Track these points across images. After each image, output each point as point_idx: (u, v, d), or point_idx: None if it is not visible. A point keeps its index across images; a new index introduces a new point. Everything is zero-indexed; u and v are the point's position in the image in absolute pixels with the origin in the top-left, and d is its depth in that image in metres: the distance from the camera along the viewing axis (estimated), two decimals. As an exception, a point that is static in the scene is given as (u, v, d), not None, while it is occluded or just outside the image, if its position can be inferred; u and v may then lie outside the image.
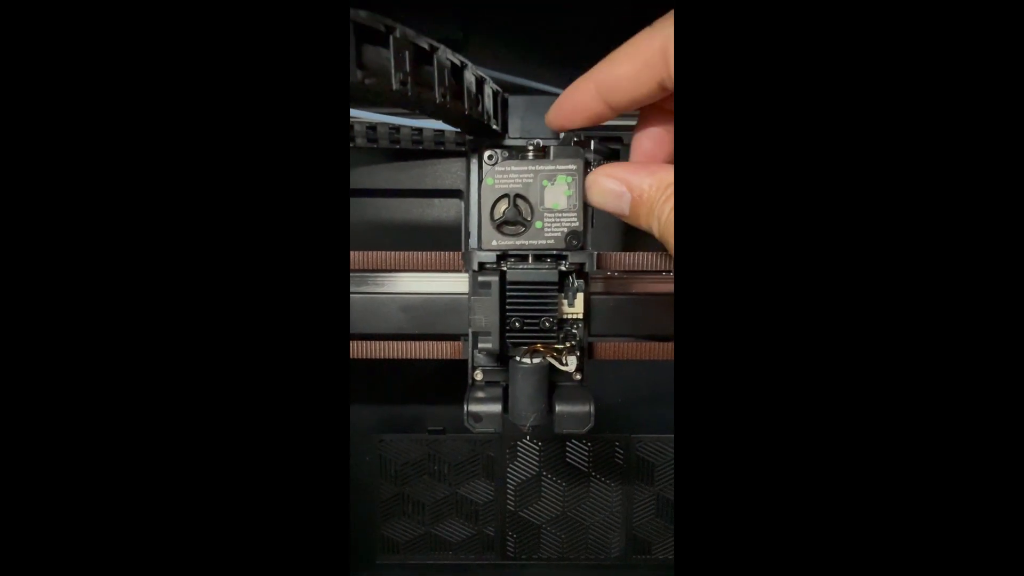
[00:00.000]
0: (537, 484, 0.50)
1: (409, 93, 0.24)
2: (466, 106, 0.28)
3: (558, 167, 0.30)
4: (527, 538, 0.51)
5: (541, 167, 0.30)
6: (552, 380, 0.32)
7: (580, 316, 0.32)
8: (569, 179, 0.30)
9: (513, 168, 0.30)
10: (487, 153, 0.31)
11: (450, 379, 0.39)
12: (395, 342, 0.35)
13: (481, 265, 0.31)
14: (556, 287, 0.31)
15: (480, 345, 0.31)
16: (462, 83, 0.28)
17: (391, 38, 0.23)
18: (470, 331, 0.31)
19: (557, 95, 0.29)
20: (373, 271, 0.35)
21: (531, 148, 0.31)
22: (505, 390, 0.32)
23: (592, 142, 0.31)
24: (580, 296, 0.32)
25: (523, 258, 0.31)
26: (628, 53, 0.26)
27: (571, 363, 0.32)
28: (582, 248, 0.31)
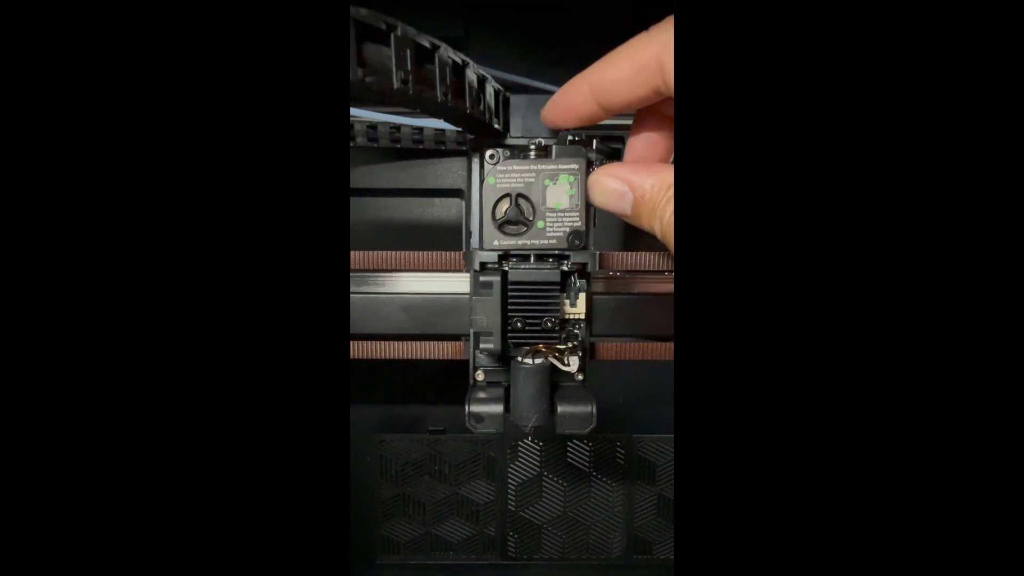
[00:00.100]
0: (538, 484, 0.50)
1: (410, 92, 0.24)
2: (467, 105, 0.28)
3: (560, 166, 0.30)
4: (528, 538, 0.51)
5: (543, 166, 0.30)
6: (554, 380, 0.32)
7: (582, 316, 0.32)
8: (571, 178, 0.30)
9: (515, 167, 0.30)
10: (488, 152, 0.31)
11: (451, 379, 0.39)
12: (396, 342, 0.35)
13: (483, 265, 0.31)
14: (558, 287, 0.31)
15: (481, 345, 0.31)
16: (463, 82, 0.28)
17: (392, 36, 0.23)
18: (471, 331, 0.31)
19: (558, 94, 0.29)
20: (374, 271, 0.35)
21: (533, 147, 0.31)
22: (507, 390, 0.31)
23: (594, 141, 0.31)
24: (582, 296, 0.32)
25: (525, 258, 0.31)
26: (623, 57, 0.26)
27: (573, 363, 0.32)
28: (584, 248, 0.31)
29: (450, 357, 0.35)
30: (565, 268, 0.31)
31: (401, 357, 0.35)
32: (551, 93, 0.30)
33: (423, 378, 0.48)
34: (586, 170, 0.30)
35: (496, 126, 0.31)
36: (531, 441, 0.50)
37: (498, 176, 0.30)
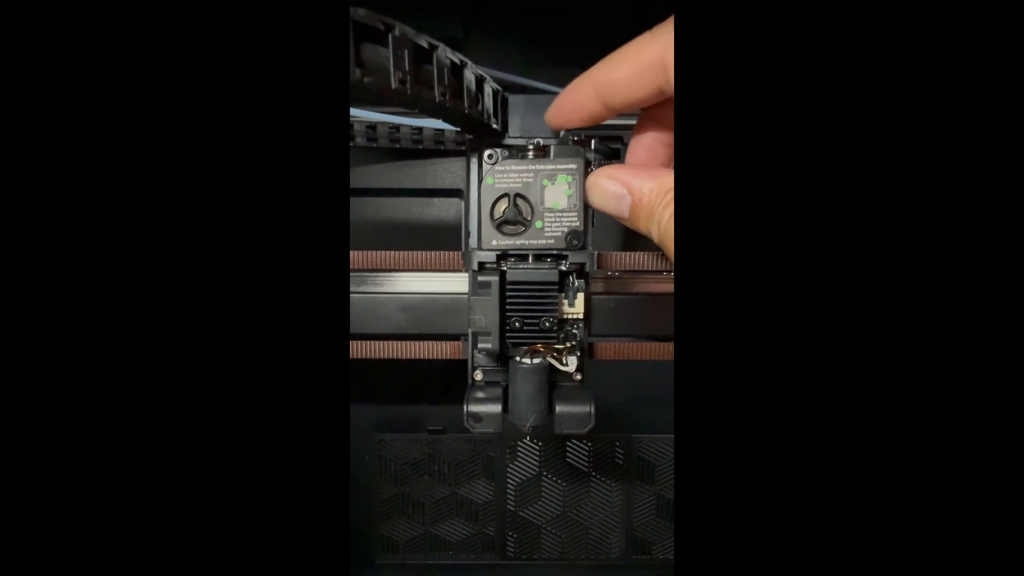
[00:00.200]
0: (537, 484, 0.50)
1: (408, 92, 0.24)
2: (466, 105, 0.28)
3: (558, 166, 0.30)
4: (527, 538, 0.51)
5: (541, 166, 0.30)
6: (552, 380, 0.32)
7: (580, 316, 0.32)
8: (569, 178, 0.30)
9: (513, 167, 0.30)
10: (487, 152, 0.31)
11: (450, 379, 0.39)
12: (395, 342, 0.35)
13: (481, 265, 0.31)
14: (556, 287, 0.31)
15: (480, 345, 0.31)
16: (462, 82, 0.28)
17: (390, 36, 0.23)
18: (470, 331, 0.31)
19: (557, 94, 0.29)
20: (373, 271, 0.35)
21: (531, 147, 0.31)
22: (505, 390, 0.31)
23: (593, 141, 0.31)
24: (580, 296, 0.32)
25: (523, 258, 0.31)
26: (627, 56, 0.26)
27: (571, 363, 0.32)
28: (582, 248, 0.31)
29: (449, 357, 0.35)
30: (563, 268, 0.31)
31: (400, 357, 0.35)
32: (550, 93, 0.30)
33: (422, 378, 0.48)
34: (584, 170, 0.30)
35: (494, 126, 0.31)
36: (530, 441, 0.50)
37: (496, 176, 0.30)
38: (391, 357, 0.35)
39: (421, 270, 0.35)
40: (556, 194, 0.30)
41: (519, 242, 0.31)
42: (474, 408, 0.30)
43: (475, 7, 0.45)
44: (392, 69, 0.23)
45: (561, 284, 0.31)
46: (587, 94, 0.27)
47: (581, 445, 0.50)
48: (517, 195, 0.30)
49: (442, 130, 0.42)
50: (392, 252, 0.34)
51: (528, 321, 0.31)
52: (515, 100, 0.32)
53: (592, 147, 0.31)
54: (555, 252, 0.31)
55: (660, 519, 0.51)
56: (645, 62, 0.25)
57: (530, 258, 0.31)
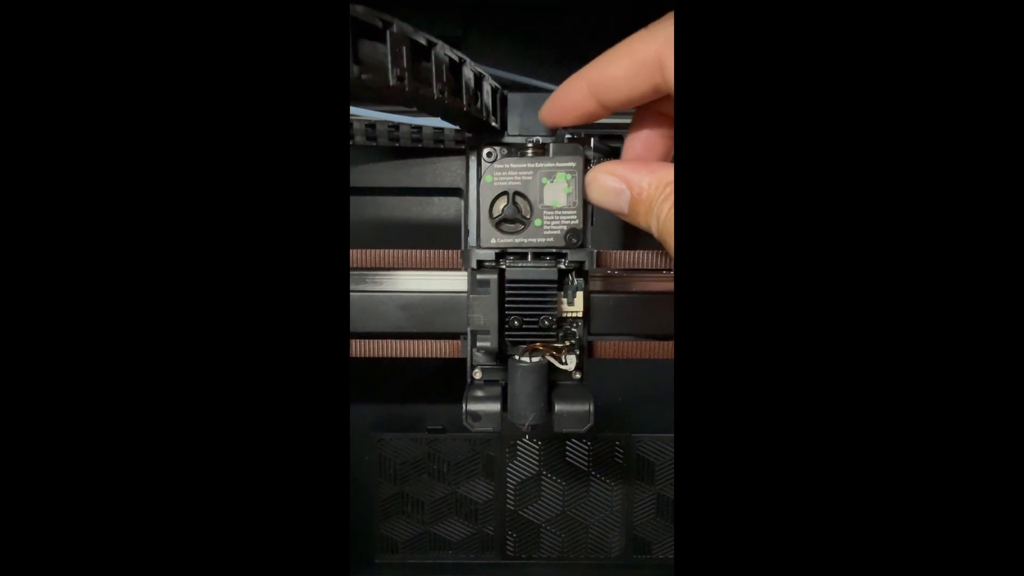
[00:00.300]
0: (537, 483, 0.50)
1: (407, 89, 0.24)
2: (464, 102, 0.27)
3: (557, 164, 0.30)
4: (527, 537, 0.51)
5: (540, 164, 0.30)
6: (551, 379, 0.32)
7: (579, 314, 0.32)
8: (569, 176, 0.30)
9: (512, 165, 0.30)
10: (486, 150, 0.31)
11: (449, 378, 0.39)
12: (394, 341, 0.35)
13: (480, 263, 0.31)
14: (555, 285, 0.31)
15: (479, 344, 0.31)
16: (460, 79, 0.27)
17: (388, 33, 0.23)
18: (469, 329, 0.31)
19: (555, 92, 0.29)
20: (372, 269, 0.35)
21: (530, 145, 0.31)
22: (504, 389, 0.31)
23: (592, 139, 0.31)
24: (580, 294, 0.32)
25: (522, 256, 0.31)
26: (623, 54, 0.26)
27: (570, 362, 0.32)
28: (582, 246, 0.31)
29: (448, 355, 0.35)
30: (563, 266, 0.31)
31: (399, 356, 0.35)
32: (549, 91, 0.30)
33: (421, 377, 0.48)
34: (583, 168, 0.30)
35: (493, 124, 0.31)
36: (530, 440, 0.50)
37: (495, 174, 0.30)
38: (390, 356, 0.35)
39: (420, 268, 0.35)
40: (555, 192, 0.30)
41: (518, 240, 0.31)
42: (473, 407, 0.30)
43: (474, 6, 0.45)
44: (390, 66, 0.23)
45: (560, 282, 0.31)
46: (581, 92, 0.27)
47: (581, 444, 0.50)
48: (516, 193, 0.30)
49: (441, 129, 0.42)
50: (391, 251, 0.34)
51: (527, 319, 0.31)
52: (514, 98, 0.32)
53: (591, 145, 0.31)
54: (554, 250, 0.31)
55: (660, 518, 0.51)
56: (641, 60, 0.25)
57: (529, 256, 0.31)
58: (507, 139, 0.32)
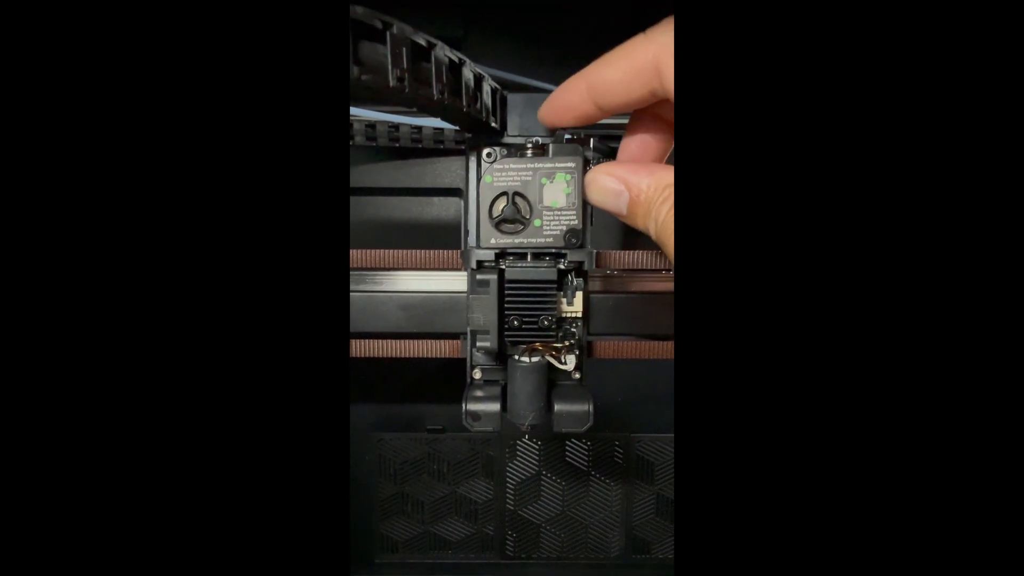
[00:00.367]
0: (536, 483, 0.50)
1: (407, 90, 0.24)
2: (464, 103, 0.28)
3: (557, 165, 0.30)
4: (526, 537, 0.51)
5: (540, 165, 0.30)
6: (551, 379, 0.32)
7: (579, 315, 0.32)
8: (568, 177, 0.30)
9: (512, 166, 0.30)
10: (486, 151, 0.31)
11: (449, 378, 0.39)
12: (394, 340, 0.35)
13: (480, 263, 0.31)
14: (555, 285, 0.31)
15: (479, 344, 0.31)
16: (460, 80, 0.28)
17: (388, 34, 0.23)
18: (469, 329, 0.31)
19: (555, 93, 0.29)
20: (372, 269, 0.35)
21: (530, 146, 0.31)
22: (504, 389, 0.31)
23: (591, 140, 0.31)
24: (579, 295, 0.32)
25: (522, 256, 0.31)
26: (620, 58, 0.26)
27: (570, 362, 0.32)
28: (581, 246, 0.31)
29: (448, 355, 0.35)
30: (562, 266, 0.31)
31: (399, 356, 0.35)
32: (548, 92, 0.30)
33: (421, 377, 0.48)
34: (583, 169, 0.30)
35: (493, 124, 0.31)
36: (530, 440, 0.50)
37: (495, 174, 0.30)
38: (390, 356, 0.35)
39: (420, 269, 0.35)
40: (555, 192, 0.30)
41: (518, 240, 0.31)
42: (473, 407, 0.30)
43: (474, 6, 0.45)
44: (390, 67, 0.23)
45: (560, 282, 0.31)
46: (579, 94, 0.27)
47: (580, 444, 0.50)
48: (516, 193, 0.30)
49: (441, 129, 0.42)
50: (391, 251, 0.34)
51: (527, 320, 0.31)
52: (514, 99, 0.32)
53: (591, 146, 0.31)
54: (554, 250, 0.31)
55: (659, 518, 0.51)
56: (638, 65, 0.25)
57: (529, 256, 0.31)
58: (507, 139, 0.32)
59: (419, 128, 0.42)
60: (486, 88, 0.30)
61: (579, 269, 0.31)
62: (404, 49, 0.23)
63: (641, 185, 0.26)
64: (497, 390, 0.31)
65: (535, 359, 0.30)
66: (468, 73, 0.28)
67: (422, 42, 0.25)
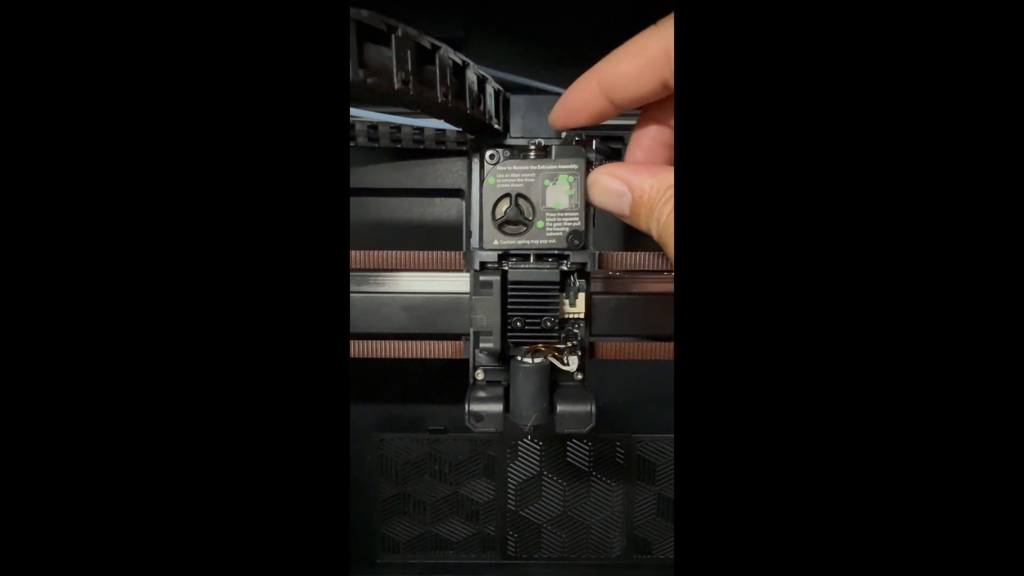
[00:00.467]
0: (538, 484, 0.50)
1: (411, 92, 0.24)
2: (468, 105, 0.28)
3: (560, 166, 0.30)
4: (528, 537, 0.51)
5: (543, 166, 0.30)
6: (553, 380, 0.32)
7: (581, 316, 0.32)
8: (571, 179, 0.30)
9: (515, 167, 0.30)
10: (488, 152, 0.31)
11: (451, 379, 0.39)
12: (396, 341, 0.35)
13: (483, 265, 0.31)
14: (557, 287, 0.31)
15: (481, 344, 0.31)
16: (464, 82, 0.28)
17: (393, 37, 0.23)
18: (471, 331, 0.31)
19: (559, 94, 0.29)
20: (374, 270, 0.35)
21: (533, 147, 0.31)
22: (506, 390, 0.32)
23: (594, 142, 0.31)
24: (581, 296, 0.32)
25: (524, 258, 0.31)
26: (631, 51, 0.26)
27: (572, 363, 0.32)
28: (584, 248, 0.31)
29: (450, 356, 0.35)
30: (564, 268, 0.31)
31: (401, 356, 0.35)
32: (551, 93, 0.30)
33: (423, 377, 0.48)
34: (586, 170, 0.30)
35: (496, 126, 0.31)
36: (531, 440, 0.50)
37: (498, 176, 0.30)
38: (393, 357, 0.35)
39: (422, 270, 0.35)
40: (557, 194, 0.30)
41: (520, 242, 0.31)
42: (476, 407, 0.30)
43: (475, 7, 0.45)
44: (395, 70, 0.23)
45: (562, 284, 0.31)
46: (592, 91, 0.27)
47: (582, 445, 0.50)
48: (519, 195, 0.30)
49: (443, 130, 0.42)
50: (394, 252, 0.34)
51: (529, 321, 0.31)
52: (516, 100, 0.32)
53: (593, 147, 0.31)
54: (556, 252, 0.31)
55: (661, 519, 0.51)
56: (649, 56, 0.25)
57: (531, 258, 0.31)
58: (509, 141, 0.32)
59: (421, 129, 0.42)
60: (489, 90, 0.30)
61: (581, 270, 0.31)
62: (409, 52, 0.24)
63: (644, 186, 0.26)
64: (500, 391, 0.31)
65: (538, 360, 0.31)
66: (472, 75, 0.28)
67: (426, 45, 0.25)
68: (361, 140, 0.43)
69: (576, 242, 0.31)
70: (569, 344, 0.32)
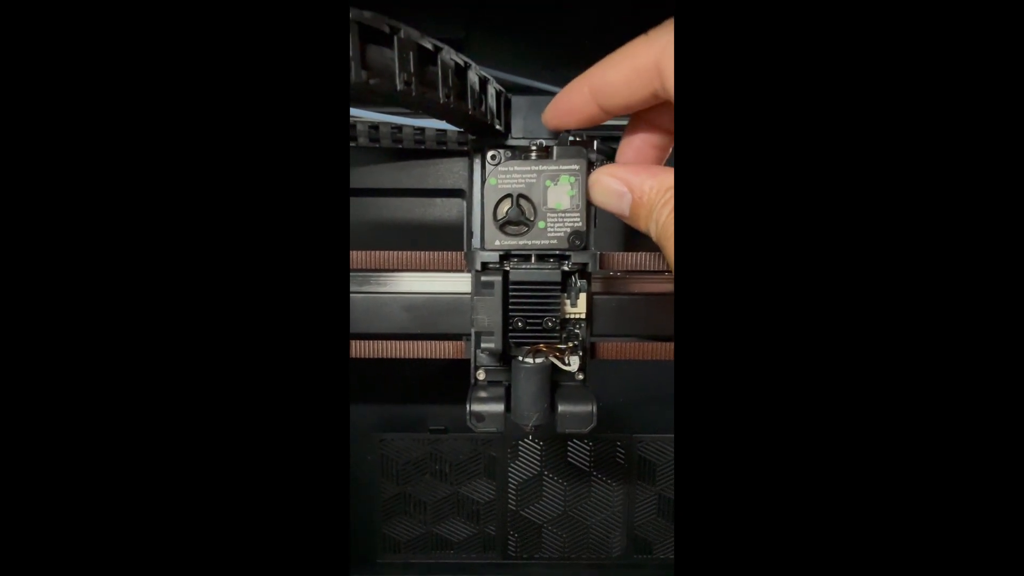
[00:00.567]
0: (538, 483, 0.51)
1: (413, 93, 0.24)
2: (469, 106, 0.28)
3: (561, 167, 0.30)
4: (528, 537, 0.51)
5: (544, 167, 0.30)
6: (554, 380, 0.32)
7: (582, 316, 0.32)
8: (572, 179, 0.30)
9: (516, 168, 0.30)
10: (490, 153, 0.31)
11: (452, 379, 0.39)
12: (398, 341, 0.35)
13: (484, 265, 0.31)
14: (559, 287, 0.31)
15: (483, 345, 0.31)
16: (466, 83, 0.28)
17: (396, 39, 0.23)
18: (473, 331, 0.31)
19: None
20: (376, 271, 0.35)
21: (534, 148, 0.31)
22: (507, 390, 0.32)
23: (595, 142, 0.31)
24: (582, 296, 0.32)
25: (526, 258, 0.31)
26: (622, 60, 0.26)
27: (573, 363, 0.32)
28: (585, 248, 0.31)
29: (451, 356, 0.35)
30: (566, 268, 0.31)
31: (403, 356, 0.35)
32: (552, 94, 0.30)
33: (424, 377, 0.49)
34: (587, 171, 0.30)
35: (497, 127, 0.31)
36: (532, 440, 0.50)
37: (499, 177, 0.31)
38: (394, 357, 0.35)
39: (424, 270, 0.35)
40: (559, 195, 0.30)
41: (522, 242, 0.31)
42: (477, 407, 0.31)
43: (476, 7, 0.45)
44: (398, 71, 0.23)
45: (563, 284, 0.31)
46: (583, 96, 0.27)
47: (582, 445, 0.50)
48: (520, 196, 0.31)
49: (444, 130, 0.43)
50: (395, 252, 0.34)
51: (531, 321, 0.31)
52: (518, 101, 0.32)
53: (594, 148, 0.31)
54: (558, 252, 0.31)
55: (661, 519, 0.51)
56: (640, 66, 0.25)
57: (533, 258, 0.31)
58: (511, 142, 0.32)
59: (422, 129, 0.42)
60: (491, 91, 0.30)
61: (583, 271, 0.32)
62: (411, 53, 0.24)
63: (644, 187, 0.26)
64: (501, 391, 0.31)
65: (539, 360, 0.31)
66: (473, 76, 0.28)
67: (428, 46, 0.25)
68: (362, 140, 0.43)
69: (577, 242, 0.31)
70: (570, 344, 0.32)
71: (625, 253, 0.35)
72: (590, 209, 0.31)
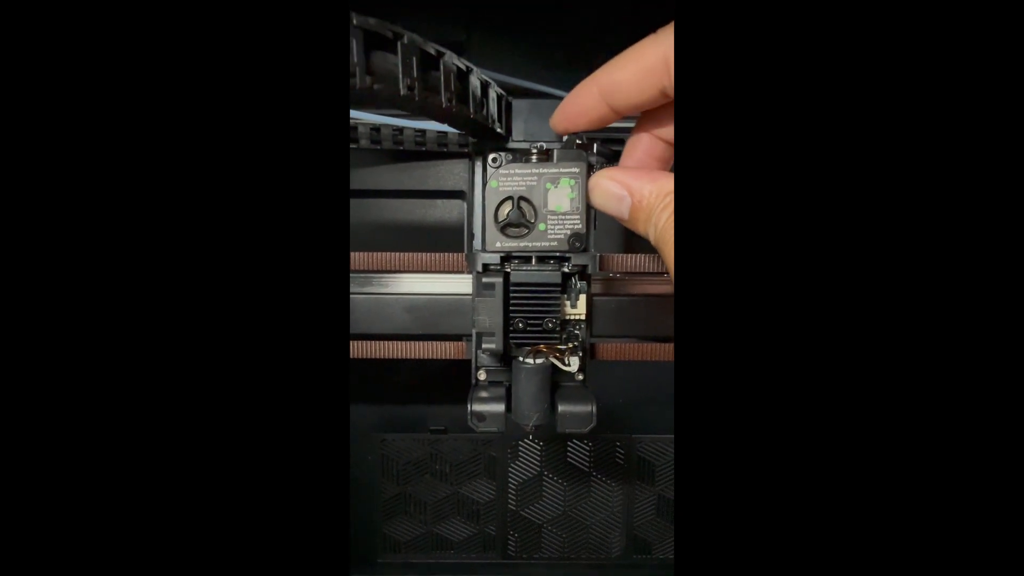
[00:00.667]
0: (538, 484, 0.51)
1: (416, 98, 0.24)
2: (471, 110, 0.28)
3: (561, 170, 0.30)
4: (528, 537, 0.51)
5: (545, 170, 0.31)
6: (555, 380, 0.32)
7: (582, 317, 0.32)
8: (572, 182, 0.30)
9: (517, 171, 0.31)
10: (491, 156, 0.31)
11: (453, 379, 0.39)
12: (399, 342, 0.35)
13: (485, 267, 0.31)
14: (559, 288, 0.31)
15: (484, 345, 0.31)
16: (467, 87, 0.28)
17: (399, 44, 0.23)
18: (474, 332, 0.32)
19: (560, 98, 0.29)
20: (378, 272, 0.35)
21: (535, 151, 0.31)
22: (508, 390, 0.32)
23: (595, 145, 0.32)
24: (582, 297, 0.32)
25: (526, 260, 0.31)
26: (631, 58, 0.26)
27: (573, 363, 0.32)
28: (585, 250, 0.31)
29: (452, 357, 0.35)
30: (566, 270, 0.31)
31: (404, 357, 0.35)
32: (553, 97, 0.30)
33: (425, 378, 0.49)
34: (587, 173, 0.30)
35: (499, 130, 0.31)
36: (531, 441, 0.50)
37: (500, 179, 0.31)
38: (395, 357, 0.35)
39: (425, 271, 0.35)
40: (559, 197, 0.31)
41: (522, 244, 0.31)
42: (478, 407, 0.31)
43: (477, 9, 0.46)
44: (401, 76, 0.23)
45: (564, 286, 0.32)
46: (592, 97, 0.28)
47: (582, 445, 0.50)
48: (521, 198, 0.31)
49: (445, 132, 0.43)
50: (396, 253, 0.35)
51: (531, 322, 0.31)
52: (519, 104, 0.32)
53: (594, 150, 0.31)
54: (558, 254, 0.31)
55: (660, 519, 0.51)
56: (648, 64, 0.26)
57: (533, 260, 0.31)
58: (512, 145, 0.32)
59: (423, 131, 0.43)
60: (492, 95, 0.30)
61: (583, 272, 0.32)
62: (414, 58, 0.24)
63: (643, 191, 0.26)
64: (502, 391, 0.32)
65: (539, 361, 0.31)
66: (475, 80, 0.28)
67: (431, 51, 0.25)
68: (364, 142, 0.43)
69: (577, 244, 0.31)
70: (570, 345, 0.32)
71: (624, 255, 0.35)
72: (590, 212, 0.31)
